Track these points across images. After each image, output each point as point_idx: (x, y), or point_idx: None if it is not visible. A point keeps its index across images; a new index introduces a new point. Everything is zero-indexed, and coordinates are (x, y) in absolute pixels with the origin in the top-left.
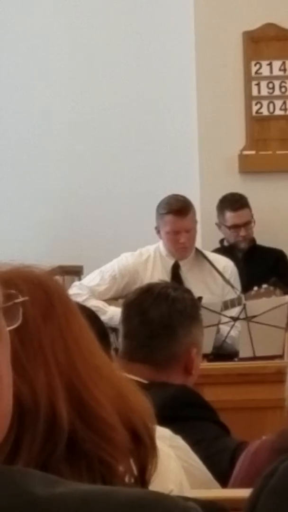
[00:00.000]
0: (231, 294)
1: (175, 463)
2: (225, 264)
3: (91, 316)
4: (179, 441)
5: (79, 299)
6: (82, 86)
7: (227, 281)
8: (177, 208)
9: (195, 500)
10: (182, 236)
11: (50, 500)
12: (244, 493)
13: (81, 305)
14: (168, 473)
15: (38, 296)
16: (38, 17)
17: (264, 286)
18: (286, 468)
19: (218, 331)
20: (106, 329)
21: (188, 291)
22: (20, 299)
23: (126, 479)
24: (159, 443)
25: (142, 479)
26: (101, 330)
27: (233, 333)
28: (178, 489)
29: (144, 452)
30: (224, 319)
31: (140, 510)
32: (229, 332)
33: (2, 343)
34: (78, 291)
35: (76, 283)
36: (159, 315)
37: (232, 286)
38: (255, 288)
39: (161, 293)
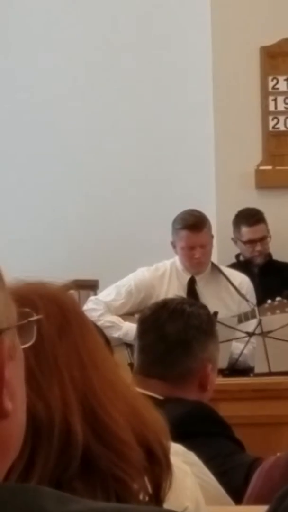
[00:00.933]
0: (246, 309)
1: (191, 480)
2: (241, 280)
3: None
4: (192, 457)
5: (95, 314)
6: (100, 99)
7: (243, 296)
8: (192, 223)
9: None
10: (197, 251)
11: None
12: (258, 510)
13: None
14: (184, 489)
15: (54, 312)
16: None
17: (278, 299)
18: None
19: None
20: (109, 342)
21: (204, 307)
22: (35, 317)
23: (141, 497)
24: (175, 460)
25: (157, 497)
26: (108, 344)
27: (246, 350)
28: (194, 506)
29: (158, 469)
30: (240, 334)
31: None
32: (242, 350)
33: (16, 361)
34: (94, 306)
35: (92, 298)
36: (175, 330)
37: (248, 301)
38: (269, 301)
39: (177, 308)
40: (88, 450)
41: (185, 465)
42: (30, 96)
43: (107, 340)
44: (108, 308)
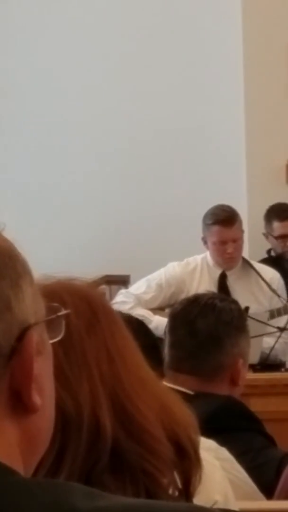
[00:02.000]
0: (278, 305)
1: (220, 473)
2: (272, 275)
3: (140, 327)
4: (224, 453)
5: (125, 307)
6: (129, 94)
7: (274, 291)
8: (224, 218)
9: None
10: (229, 246)
11: None
12: None
13: (129, 316)
14: (213, 483)
15: (82, 309)
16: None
17: None
18: None
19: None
20: (156, 340)
21: (235, 302)
22: (63, 312)
23: (170, 492)
24: (204, 454)
25: (187, 491)
26: (151, 341)
27: (278, 345)
28: (223, 499)
29: (188, 464)
30: (271, 329)
31: None
32: (274, 345)
33: (44, 356)
34: (124, 299)
35: (123, 290)
36: (205, 326)
37: (279, 296)
38: None
39: (208, 303)
40: (118, 444)
41: (215, 460)
42: (31, 85)
43: (155, 344)
44: (139, 301)
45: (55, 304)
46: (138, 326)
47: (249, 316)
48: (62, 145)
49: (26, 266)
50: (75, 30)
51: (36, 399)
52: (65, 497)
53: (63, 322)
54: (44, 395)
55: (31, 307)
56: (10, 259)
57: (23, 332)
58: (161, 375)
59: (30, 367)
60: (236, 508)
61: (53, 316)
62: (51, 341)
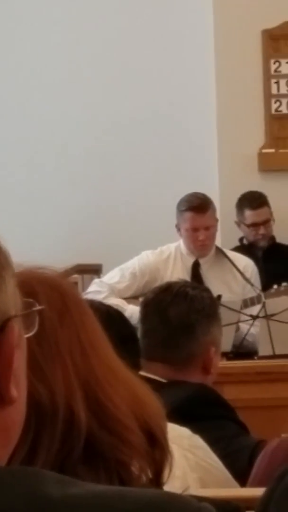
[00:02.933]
0: (252, 293)
1: (177, 454)
2: (246, 263)
3: (120, 318)
4: (198, 440)
5: (99, 297)
6: (101, 82)
7: (247, 280)
8: (197, 205)
9: (209, 500)
10: (201, 233)
11: (64, 501)
12: (262, 492)
13: (109, 307)
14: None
15: (54, 299)
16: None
17: (284, 284)
18: None
19: (237, 329)
20: (135, 331)
21: (207, 290)
22: (38, 307)
23: (143, 480)
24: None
25: (157, 480)
26: (131, 332)
27: (253, 330)
28: (181, 481)
29: (159, 453)
30: (244, 318)
31: (154, 510)
32: (249, 329)
33: (21, 349)
34: (98, 288)
35: (96, 280)
36: (178, 314)
37: (252, 285)
38: (275, 286)
39: (180, 291)
40: (91, 434)
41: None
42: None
43: (134, 337)
44: (112, 291)
45: (30, 300)
46: (118, 317)
47: (222, 304)
48: (31, 133)
49: (8, 257)
50: (44, 22)
51: (14, 391)
52: (37, 485)
53: (37, 318)
54: (20, 388)
55: (12, 299)
56: None
57: (5, 324)
58: (139, 366)
59: (11, 359)
60: (207, 494)
61: (30, 310)
62: (26, 336)
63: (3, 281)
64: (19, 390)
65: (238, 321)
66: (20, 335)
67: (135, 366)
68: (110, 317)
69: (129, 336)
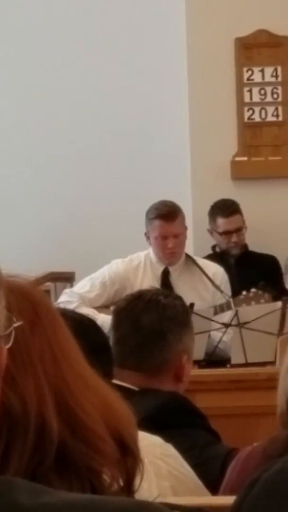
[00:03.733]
0: (222, 300)
1: (148, 463)
2: (216, 270)
3: (93, 327)
4: (170, 449)
5: (70, 307)
6: (75, 94)
7: (217, 287)
8: (165, 213)
9: (181, 508)
10: (170, 241)
11: (36, 509)
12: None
13: (81, 316)
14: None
15: (25, 307)
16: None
17: (253, 290)
18: (268, 478)
19: (209, 336)
20: (108, 339)
21: (179, 298)
22: (17, 323)
23: (115, 488)
24: None
25: (129, 488)
26: (103, 341)
27: (225, 338)
28: (149, 489)
29: (131, 462)
30: (216, 325)
31: None
32: (221, 337)
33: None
34: (69, 298)
35: (67, 290)
36: (150, 322)
37: (222, 292)
38: (244, 292)
39: (152, 299)
40: (63, 443)
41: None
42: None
43: (107, 346)
44: (83, 300)
45: (8, 314)
46: (91, 326)
47: (194, 312)
48: (8, 140)
49: (1, 275)
50: (31, 22)
51: None
52: (8, 493)
53: (13, 332)
54: None
55: (2, 319)
56: None
57: None
58: (112, 375)
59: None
60: (179, 502)
61: (12, 328)
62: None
63: None
64: None
65: (210, 329)
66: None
67: (108, 375)
68: (83, 326)
69: (102, 345)
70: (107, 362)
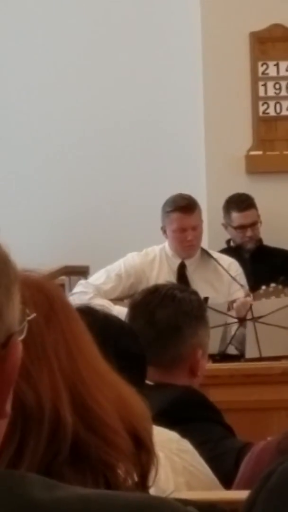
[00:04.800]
0: (238, 293)
1: (164, 458)
2: (230, 262)
3: (131, 334)
4: (186, 445)
5: (84, 297)
6: (87, 86)
7: (233, 278)
8: (183, 205)
9: (195, 503)
10: (189, 234)
11: (49, 504)
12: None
13: (120, 321)
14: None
15: (40, 301)
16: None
17: (273, 285)
18: (284, 470)
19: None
20: (144, 350)
21: (195, 293)
22: (31, 316)
23: (129, 483)
24: None
25: (143, 483)
26: (139, 352)
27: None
28: (165, 485)
29: (146, 456)
30: (231, 320)
31: None
32: (233, 336)
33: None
34: (84, 289)
35: (82, 281)
36: (165, 316)
37: (240, 284)
38: (263, 287)
39: (168, 294)
40: (77, 437)
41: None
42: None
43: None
44: (98, 292)
45: (22, 307)
46: (129, 332)
47: (209, 307)
48: (21, 133)
49: (16, 271)
50: (21, 19)
51: (8, 407)
52: (22, 488)
53: (27, 324)
54: (11, 400)
55: (17, 314)
56: (6, 265)
57: (8, 339)
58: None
59: (13, 376)
60: (193, 497)
61: (25, 322)
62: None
63: (11, 297)
64: (10, 402)
65: (225, 324)
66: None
67: (140, 384)
68: (123, 332)
69: (136, 354)
70: (141, 372)
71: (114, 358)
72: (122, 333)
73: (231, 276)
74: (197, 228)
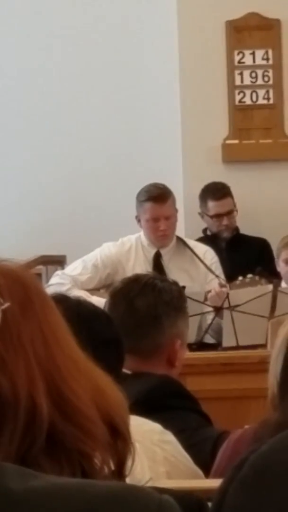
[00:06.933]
0: (215, 281)
1: (144, 448)
2: (205, 250)
3: (106, 320)
4: (168, 436)
5: (62, 289)
6: (67, 79)
7: (209, 269)
8: (156, 195)
9: (171, 492)
10: (161, 224)
11: (24, 493)
12: None
13: (94, 307)
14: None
15: (16, 290)
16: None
17: (249, 275)
18: (256, 459)
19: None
20: (119, 335)
21: (176, 283)
22: (5, 305)
23: (106, 472)
24: None
25: (120, 472)
26: (115, 337)
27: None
28: (142, 474)
29: (122, 445)
30: (208, 309)
31: (115, 502)
32: (210, 325)
33: None
34: (61, 280)
35: (58, 272)
36: (145, 304)
37: (215, 274)
38: (240, 278)
39: (148, 283)
40: (53, 426)
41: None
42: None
43: (119, 340)
44: (75, 283)
45: None
46: (104, 318)
47: (187, 296)
48: (2, 127)
49: None
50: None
51: None
52: None
53: (1, 314)
54: None
55: None
56: None
57: None
58: (120, 369)
59: None
60: (168, 486)
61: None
62: None
63: None
64: None
65: (202, 312)
66: None
67: (117, 369)
68: (97, 317)
69: (112, 339)
70: (116, 357)
71: (89, 344)
72: (96, 318)
73: (206, 266)
74: (170, 218)
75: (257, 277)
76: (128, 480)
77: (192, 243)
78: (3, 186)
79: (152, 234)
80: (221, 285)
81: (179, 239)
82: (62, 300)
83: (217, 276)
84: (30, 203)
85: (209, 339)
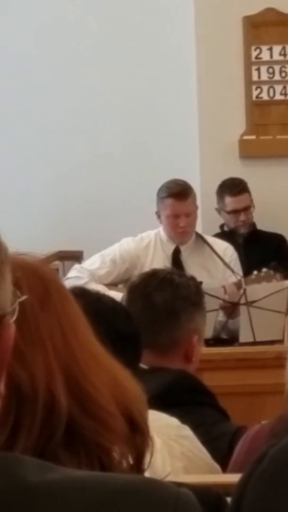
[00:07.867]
0: (232, 279)
1: (161, 443)
2: (225, 247)
3: (125, 315)
4: (186, 431)
5: (79, 282)
6: (82, 70)
7: (227, 265)
8: (177, 192)
9: (189, 486)
10: (182, 220)
11: (42, 486)
12: None
13: (114, 302)
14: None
15: (35, 284)
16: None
17: (264, 270)
18: (275, 453)
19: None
20: (138, 331)
21: (193, 279)
22: (22, 297)
23: (124, 465)
24: None
25: (138, 466)
26: (134, 333)
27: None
28: (161, 469)
29: (140, 439)
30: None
31: (133, 496)
32: (227, 320)
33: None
34: (79, 274)
35: (76, 266)
36: (162, 299)
37: (232, 270)
38: (255, 272)
39: (166, 278)
40: (72, 419)
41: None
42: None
43: (137, 335)
44: (93, 277)
45: (13, 289)
46: (123, 314)
47: (205, 292)
48: (16, 121)
49: (7, 252)
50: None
51: (2, 387)
52: (15, 470)
53: (18, 306)
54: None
55: (9, 295)
56: None
57: (0, 320)
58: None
59: (6, 357)
60: (187, 481)
61: (17, 303)
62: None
63: (3, 277)
64: (3, 384)
65: (220, 308)
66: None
67: (134, 365)
68: (116, 312)
69: (131, 335)
70: (134, 352)
71: (108, 339)
72: (115, 314)
73: (225, 263)
74: (190, 215)
75: (271, 272)
76: (147, 474)
77: (211, 239)
78: (21, 181)
79: (172, 230)
80: (238, 281)
81: (198, 236)
82: (82, 294)
83: (233, 271)
84: (47, 198)
85: (225, 334)
